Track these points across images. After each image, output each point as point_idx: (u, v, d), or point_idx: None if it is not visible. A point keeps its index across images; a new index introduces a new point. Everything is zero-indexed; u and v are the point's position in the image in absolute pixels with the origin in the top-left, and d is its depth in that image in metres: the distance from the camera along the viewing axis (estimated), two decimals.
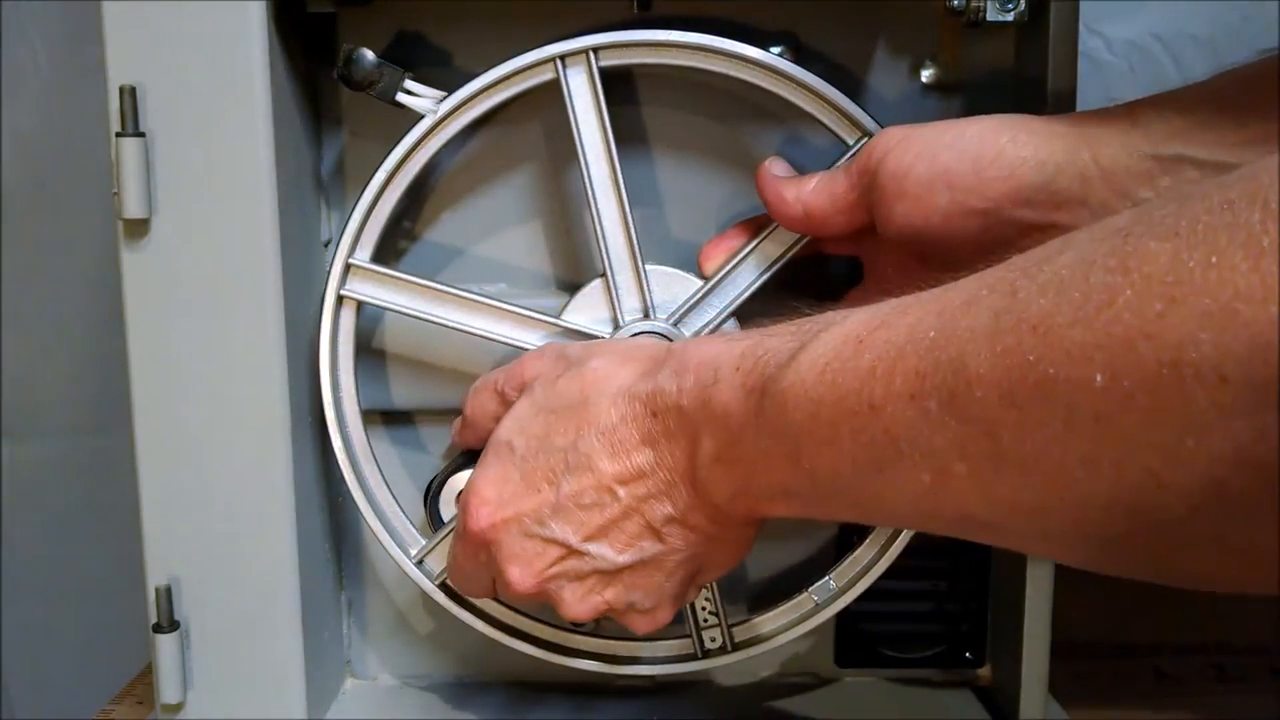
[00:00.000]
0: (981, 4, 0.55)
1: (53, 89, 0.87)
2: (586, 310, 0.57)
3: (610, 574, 0.49)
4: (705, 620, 0.59)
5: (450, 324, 0.56)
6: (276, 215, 0.53)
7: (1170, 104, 0.48)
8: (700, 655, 0.59)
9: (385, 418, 0.62)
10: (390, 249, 0.61)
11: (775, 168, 0.55)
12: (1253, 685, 0.69)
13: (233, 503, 0.55)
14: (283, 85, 0.54)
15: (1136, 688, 0.71)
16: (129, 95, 0.51)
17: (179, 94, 0.52)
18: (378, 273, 0.56)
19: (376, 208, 0.56)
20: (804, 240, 0.56)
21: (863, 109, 0.54)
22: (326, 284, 0.56)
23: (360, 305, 0.57)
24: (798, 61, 0.55)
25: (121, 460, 0.56)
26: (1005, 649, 0.62)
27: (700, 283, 0.57)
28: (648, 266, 0.56)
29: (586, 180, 0.55)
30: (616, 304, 0.56)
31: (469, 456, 0.56)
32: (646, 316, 0.56)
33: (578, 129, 0.55)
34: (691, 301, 0.56)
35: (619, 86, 0.59)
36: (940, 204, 0.49)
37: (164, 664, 0.55)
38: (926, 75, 0.59)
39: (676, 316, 0.56)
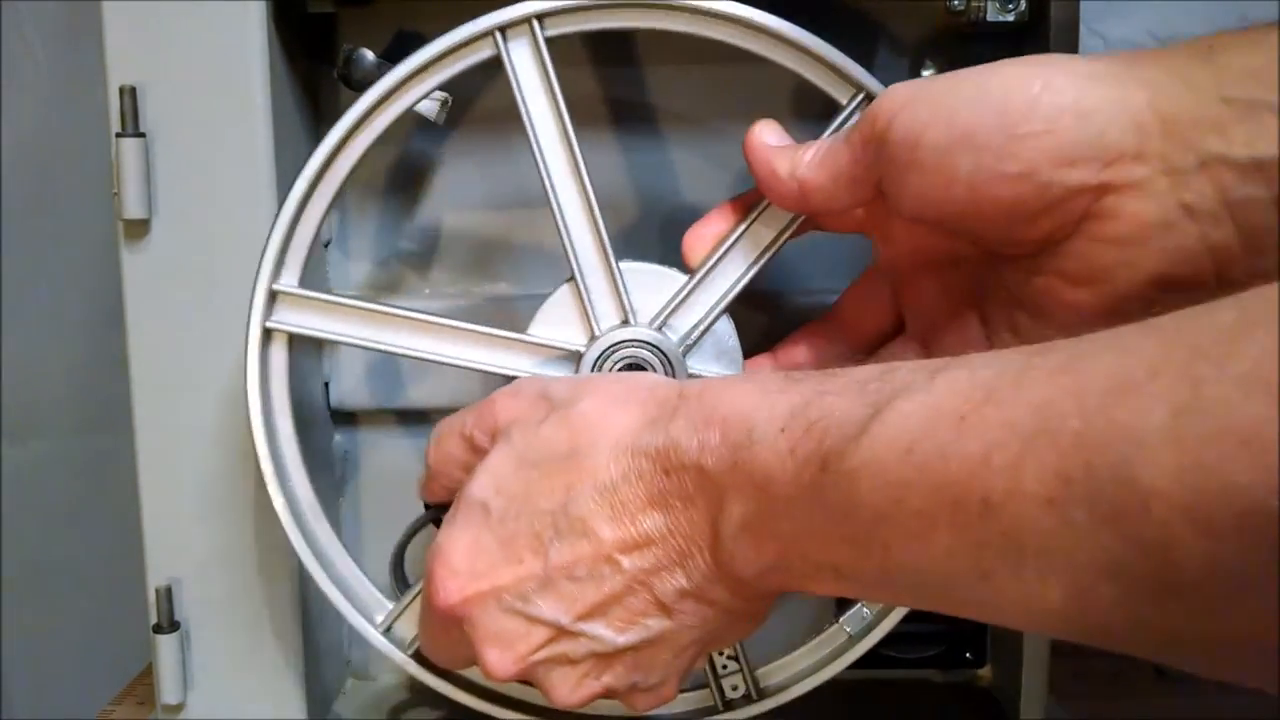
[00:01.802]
0: (982, 4, 0.55)
1: (53, 89, 0.87)
2: (555, 322, 0.51)
3: (609, 656, 0.42)
4: (724, 667, 0.53)
5: (398, 351, 0.50)
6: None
7: (1245, 41, 0.40)
8: (722, 708, 0.53)
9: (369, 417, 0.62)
10: (387, 248, 0.61)
11: (766, 134, 0.48)
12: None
13: (233, 502, 0.55)
14: (283, 85, 0.54)
15: (1136, 686, 0.71)
16: (129, 95, 0.51)
17: (179, 94, 0.52)
18: (308, 298, 0.50)
19: (301, 221, 0.50)
20: (800, 220, 0.49)
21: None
22: (249, 317, 0.50)
23: (291, 338, 0.51)
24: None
25: (121, 460, 0.56)
26: (1005, 649, 0.62)
27: (685, 278, 0.50)
28: (623, 265, 0.50)
29: (542, 170, 0.49)
30: (590, 311, 0.50)
31: (437, 511, 0.51)
32: (626, 323, 0.50)
33: (526, 111, 0.48)
34: (676, 301, 0.50)
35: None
36: (963, 172, 0.41)
37: (164, 664, 0.55)
38: (927, 76, 0.59)
39: (660, 320, 0.50)
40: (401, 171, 0.60)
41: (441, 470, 0.48)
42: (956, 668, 0.64)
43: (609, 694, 0.43)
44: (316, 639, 0.59)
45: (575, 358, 0.50)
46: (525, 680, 0.43)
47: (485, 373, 0.50)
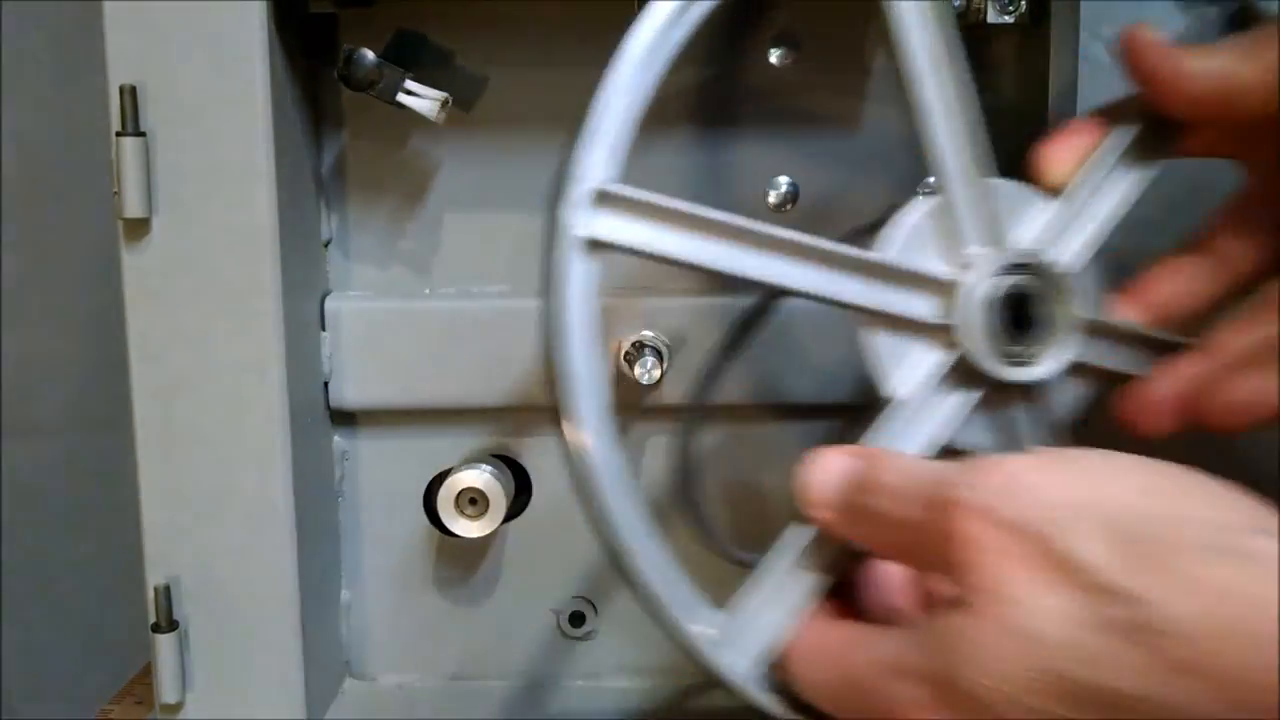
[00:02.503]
0: (982, 6, 0.55)
1: (53, 88, 0.87)
2: (909, 245, 0.42)
3: None
4: None
5: (744, 271, 0.41)
6: (276, 215, 0.53)
7: None
8: None
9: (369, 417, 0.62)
10: (384, 251, 0.61)
11: (1152, 33, 0.41)
12: None
13: (233, 502, 0.55)
14: (283, 85, 0.54)
15: None
16: (129, 94, 0.51)
17: (180, 94, 0.52)
18: (643, 203, 0.40)
19: (625, 109, 0.40)
20: (1186, 136, 0.43)
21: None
22: (557, 227, 0.40)
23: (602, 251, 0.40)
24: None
25: (121, 460, 0.56)
26: None
27: (1046, 198, 0.43)
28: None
29: (906, 61, 0.42)
30: (959, 232, 0.42)
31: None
32: (996, 248, 0.42)
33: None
34: (1056, 226, 0.43)
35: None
36: None
37: (163, 664, 0.55)
38: None
39: (1039, 249, 0.42)
40: (401, 171, 0.60)
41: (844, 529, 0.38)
42: None
43: None
44: (316, 639, 0.59)
45: (942, 289, 0.42)
46: None
47: (827, 301, 0.42)
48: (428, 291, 0.61)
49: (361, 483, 0.62)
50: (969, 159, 0.42)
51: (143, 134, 0.51)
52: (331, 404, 0.60)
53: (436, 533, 0.61)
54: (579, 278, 0.40)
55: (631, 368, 0.57)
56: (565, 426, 0.40)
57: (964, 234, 0.42)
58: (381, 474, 0.62)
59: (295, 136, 0.56)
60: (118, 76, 0.51)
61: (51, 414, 0.93)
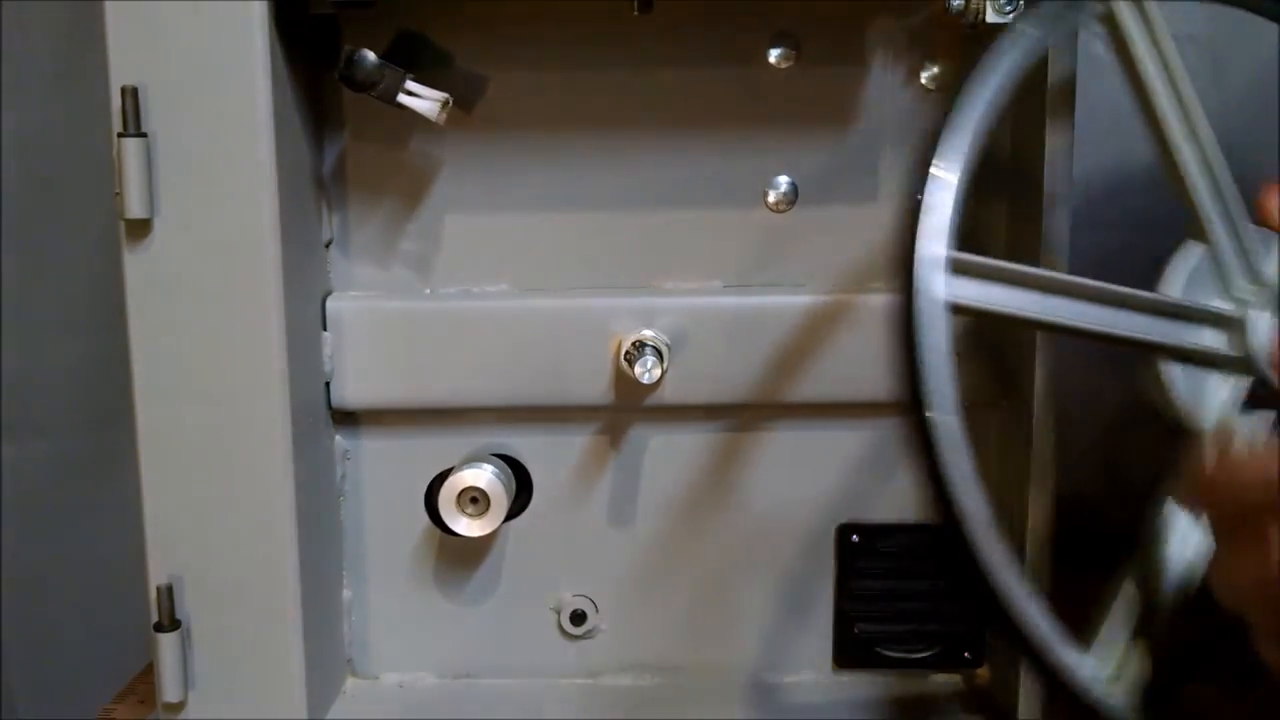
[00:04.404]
0: (981, 5, 0.55)
1: (54, 89, 0.87)
2: (1186, 288, 0.47)
3: None
4: None
5: (1086, 327, 0.44)
6: (277, 216, 0.53)
7: None
8: None
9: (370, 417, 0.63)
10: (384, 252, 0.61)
11: None
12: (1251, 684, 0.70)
13: (234, 502, 0.55)
14: (284, 86, 0.54)
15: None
16: (131, 96, 0.51)
17: (181, 95, 0.52)
18: (995, 268, 0.43)
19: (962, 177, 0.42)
20: None
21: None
22: (915, 288, 0.41)
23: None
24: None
25: (121, 460, 0.56)
26: (1004, 649, 0.62)
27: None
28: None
29: (1153, 113, 0.46)
30: (1227, 274, 0.47)
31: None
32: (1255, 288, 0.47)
33: (1138, 71, 0.46)
34: None
35: None
36: None
37: (165, 663, 0.55)
38: (926, 77, 0.59)
39: None
40: (402, 172, 0.60)
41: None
42: (955, 668, 0.64)
43: None
44: (318, 638, 0.59)
45: (1233, 325, 0.46)
46: None
47: (1155, 349, 0.45)
48: (428, 291, 0.61)
49: (363, 482, 0.62)
50: (1232, 201, 0.47)
51: (144, 135, 0.52)
52: (333, 404, 0.60)
53: (438, 532, 0.62)
54: (941, 337, 0.41)
55: (631, 367, 0.57)
56: (939, 482, 0.41)
57: (1231, 275, 0.47)
58: (383, 473, 0.62)
59: (296, 137, 0.56)
60: (119, 78, 0.51)
61: (51, 414, 0.93)
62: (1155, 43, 0.47)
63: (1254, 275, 0.47)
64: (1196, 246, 0.47)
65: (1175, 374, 0.46)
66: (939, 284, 0.41)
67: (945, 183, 0.42)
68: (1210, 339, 0.46)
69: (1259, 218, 0.48)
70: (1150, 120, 0.47)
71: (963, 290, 0.42)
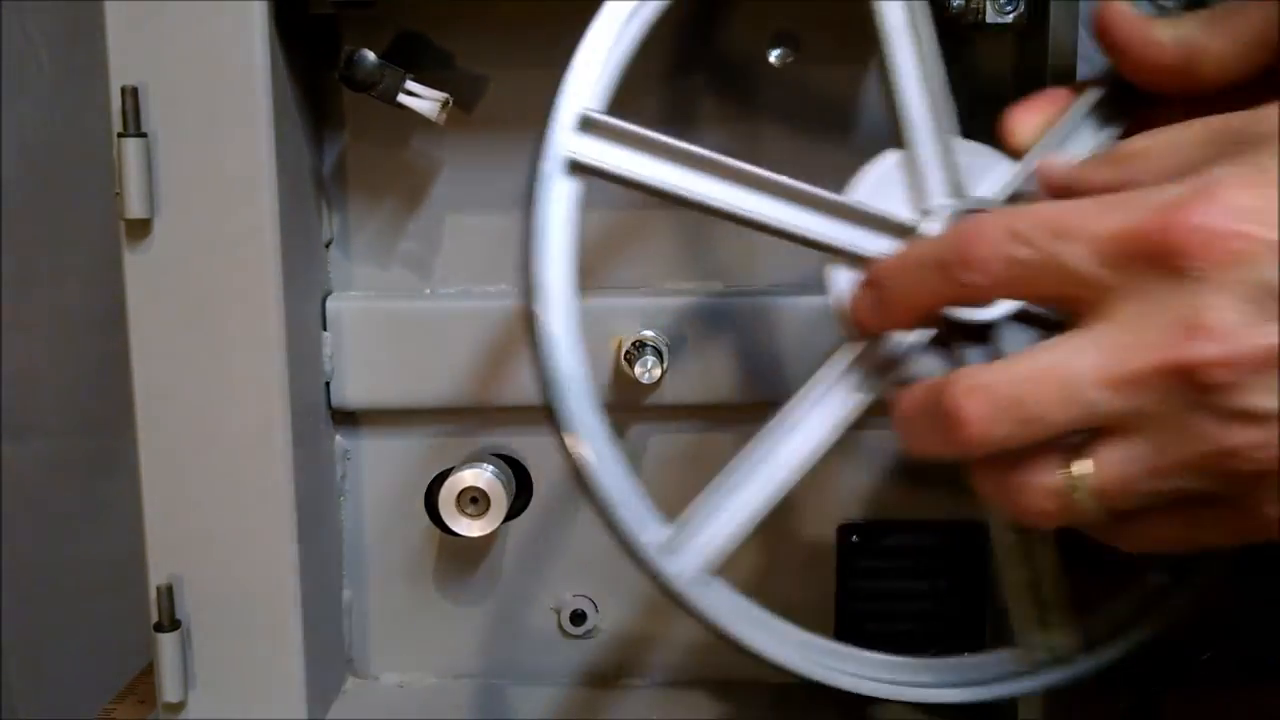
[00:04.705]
0: (980, 6, 0.55)
1: (55, 89, 0.87)
2: (873, 194, 0.45)
3: None
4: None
5: (711, 203, 0.43)
6: (277, 215, 0.53)
7: None
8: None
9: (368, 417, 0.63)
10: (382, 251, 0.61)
11: (1124, 5, 0.42)
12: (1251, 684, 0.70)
13: (234, 502, 0.55)
14: (284, 86, 0.54)
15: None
16: (131, 95, 0.51)
17: (181, 95, 0.52)
18: (624, 131, 0.43)
19: (618, 39, 0.43)
20: (1149, 105, 0.44)
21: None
22: (543, 150, 0.42)
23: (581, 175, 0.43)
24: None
25: (121, 460, 0.56)
26: (1004, 649, 0.62)
27: (1010, 161, 0.45)
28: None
29: (878, 21, 0.46)
30: (924, 184, 0.45)
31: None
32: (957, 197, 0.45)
33: None
34: (1014, 183, 0.45)
35: None
36: None
37: (165, 663, 0.55)
38: None
39: (995, 199, 0.45)
40: (402, 172, 0.60)
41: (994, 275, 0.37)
42: None
43: None
44: (318, 638, 0.59)
45: (902, 232, 0.45)
46: None
47: (794, 238, 0.44)
48: (428, 291, 0.61)
49: (363, 482, 0.63)
50: (935, 115, 0.45)
51: (145, 135, 0.52)
52: (333, 404, 0.60)
53: (438, 532, 0.62)
54: (560, 196, 0.42)
55: (631, 367, 0.57)
56: (535, 332, 0.43)
57: (928, 186, 0.45)
58: (383, 473, 0.62)
59: (296, 137, 0.56)
60: (119, 78, 0.51)
61: (51, 414, 0.93)
62: None
63: (956, 191, 0.45)
64: (894, 154, 0.45)
65: (841, 276, 0.44)
66: (564, 141, 0.42)
67: (599, 43, 0.43)
68: (879, 245, 0.44)
69: (1000, 137, 0.46)
70: (874, 21, 0.46)
71: (585, 148, 0.42)
